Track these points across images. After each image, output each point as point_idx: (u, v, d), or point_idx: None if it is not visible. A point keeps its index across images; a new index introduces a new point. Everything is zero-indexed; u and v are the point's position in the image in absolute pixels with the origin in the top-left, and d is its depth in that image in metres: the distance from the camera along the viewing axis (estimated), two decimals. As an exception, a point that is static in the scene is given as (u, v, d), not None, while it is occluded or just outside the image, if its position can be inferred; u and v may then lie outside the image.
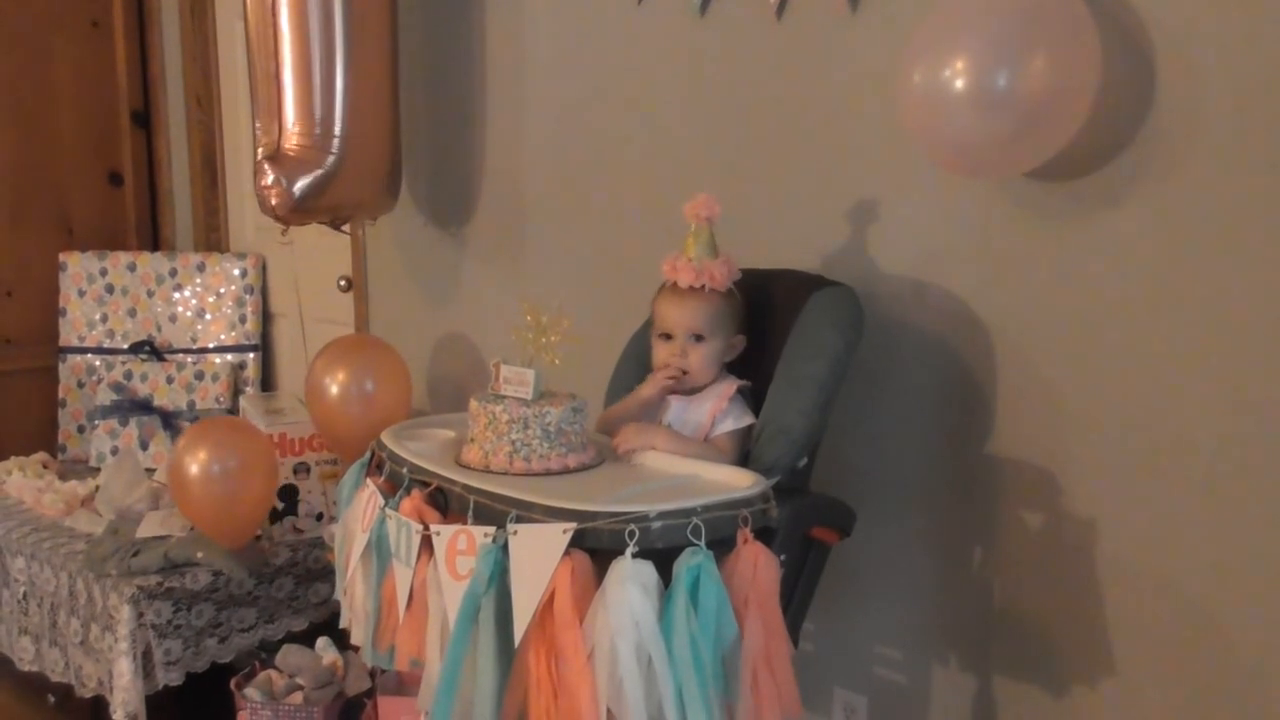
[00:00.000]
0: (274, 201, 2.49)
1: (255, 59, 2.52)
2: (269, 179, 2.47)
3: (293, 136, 2.49)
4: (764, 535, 1.51)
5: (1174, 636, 1.64)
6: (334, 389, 2.53)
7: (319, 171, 2.50)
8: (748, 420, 1.73)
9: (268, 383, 3.47)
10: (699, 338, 1.74)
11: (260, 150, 2.52)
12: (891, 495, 1.95)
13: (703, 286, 1.74)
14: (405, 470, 1.64)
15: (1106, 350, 1.67)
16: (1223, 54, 1.51)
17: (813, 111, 2.00)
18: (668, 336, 1.77)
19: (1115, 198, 1.63)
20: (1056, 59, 1.51)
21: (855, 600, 2.01)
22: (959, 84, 1.53)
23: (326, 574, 2.62)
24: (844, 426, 1.92)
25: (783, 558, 1.56)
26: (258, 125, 2.54)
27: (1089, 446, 1.70)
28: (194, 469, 2.40)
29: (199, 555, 2.46)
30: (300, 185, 2.49)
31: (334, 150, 2.50)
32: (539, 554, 1.40)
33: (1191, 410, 1.59)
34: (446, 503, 1.56)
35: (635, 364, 1.92)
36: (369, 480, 1.71)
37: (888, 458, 1.96)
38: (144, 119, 3.72)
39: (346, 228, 2.77)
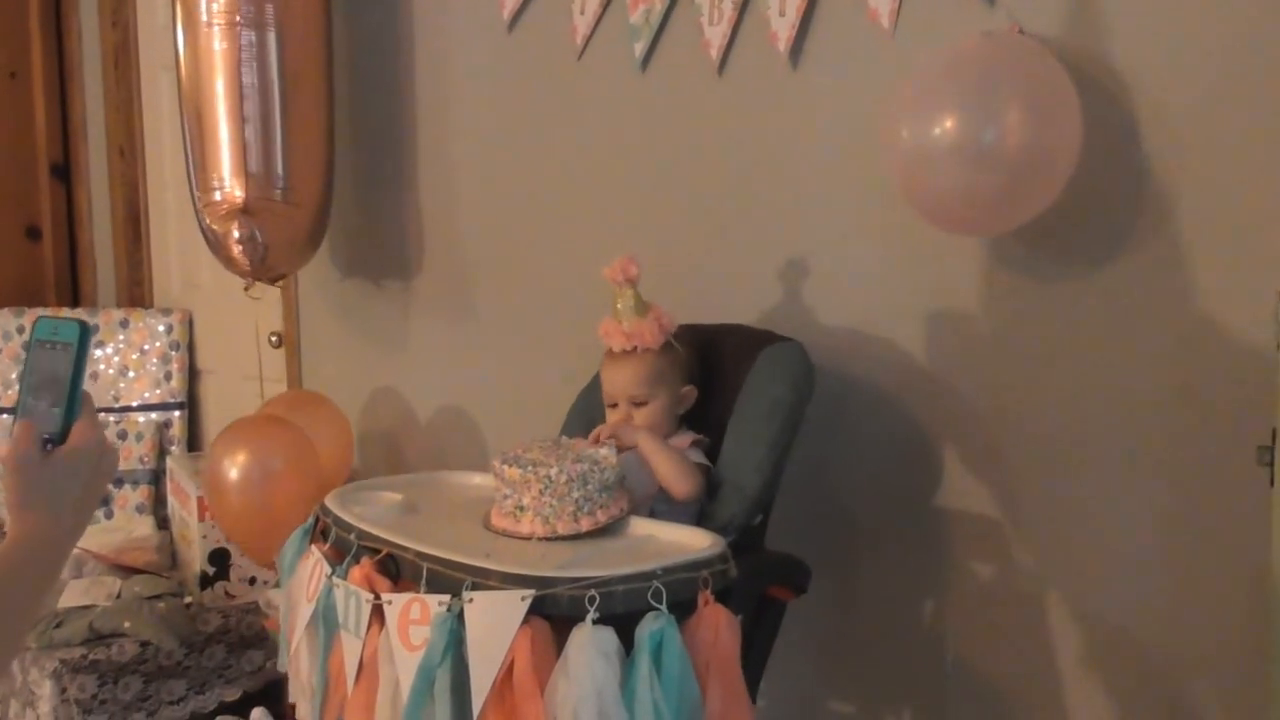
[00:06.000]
0: (243, 255, 2.45)
1: (196, 113, 2.48)
2: (242, 233, 2.43)
3: (254, 191, 2.45)
4: (722, 595, 1.49)
5: (1126, 685, 1.66)
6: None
7: (279, 225, 2.47)
8: (704, 463, 1.72)
9: (194, 442, 3.37)
10: (641, 401, 1.74)
11: (206, 209, 2.49)
12: (842, 548, 1.94)
13: (635, 349, 1.73)
14: (353, 536, 1.59)
15: (1054, 403, 1.69)
16: (1201, 126, 1.53)
17: (756, 167, 2.02)
18: (614, 404, 1.76)
19: (1071, 259, 1.65)
20: (1037, 112, 1.52)
21: (807, 654, 2.00)
22: (947, 141, 1.53)
23: (260, 641, 2.54)
24: (793, 480, 1.91)
25: (739, 617, 1.54)
26: (196, 182, 2.49)
27: (1037, 497, 1.72)
28: (233, 473, 2.36)
29: (126, 625, 2.37)
30: (266, 239, 2.46)
31: (279, 202, 2.48)
32: (496, 622, 1.36)
33: (1143, 465, 1.61)
34: (398, 570, 1.52)
35: (583, 421, 1.90)
36: (313, 547, 1.66)
37: (837, 511, 1.96)
38: (63, 171, 3.62)
39: (281, 282, 2.73)
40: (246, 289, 2.63)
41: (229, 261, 2.51)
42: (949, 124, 1.53)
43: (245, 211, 2.43)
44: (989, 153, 1.52)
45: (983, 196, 1.55)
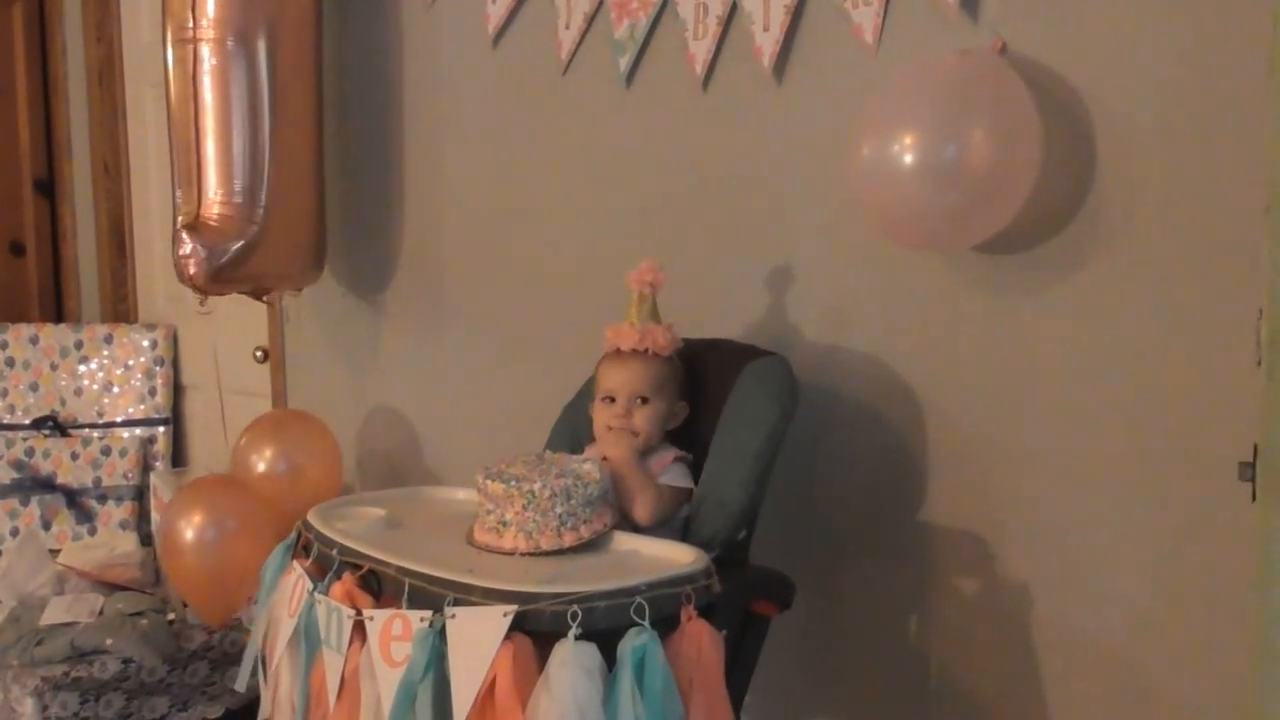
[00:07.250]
0: (192, 270, 2.44)
1: (176, 127, 2.47)
2: (187, 248, 2.42)
3: (213, 205, 2.44)
4: (705, 611, 1.49)
5: (1110, 700, 1.65)
6: (260, 466, 2.47)
7: (240, 241, 2.46)
8: (687, 484, 1.72)
9: (179, 458, 3.35)
10: (644, 399, 1.73)
11: (180, 219, 2.48)
12: (826, 563, 1.94)
13: (646, 350, 1.74)
14: (335, 552, 1.58)
15: (1037, 418, 1.69)
16: (1158, 135, 1.54)
17: (740, 181, 2.02)
18: (611, 399, 1.75)
19: (1049, 273, 1.66)
20: (999, 133, 1.54)
21: (791, 670, 1.99)
22: (908, 158, 1.55)
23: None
24: (777, 496, 1.91)
25: (723, 633, 1.54)
26: (178, 194, 2.49)
27: (1021, 512, 1.72)
28: (188, 533, 2.35)
29: (108, 642, 2.35)
30: (220, 254, 2.45)
31: (257, 220, 2.47)
32: (478, 638, 1.35)
33: (1126, 480, 1.61)
34: (380, 586, 1.51)
35: (568, 435, 1.90)
36: (295, 563, 1.65)
37: (822, 526, 1.95)
38: (47, 187, 3.61)
39: (269, 297, 2.72)
40: (201, 303, 2.63)
41: (179, 275, 2.52)
42: (909, 140, 1.55)
43: (192, 228, 2.44)
44: (948, 171, 1.53)
45: (940, 214, 1.56)
